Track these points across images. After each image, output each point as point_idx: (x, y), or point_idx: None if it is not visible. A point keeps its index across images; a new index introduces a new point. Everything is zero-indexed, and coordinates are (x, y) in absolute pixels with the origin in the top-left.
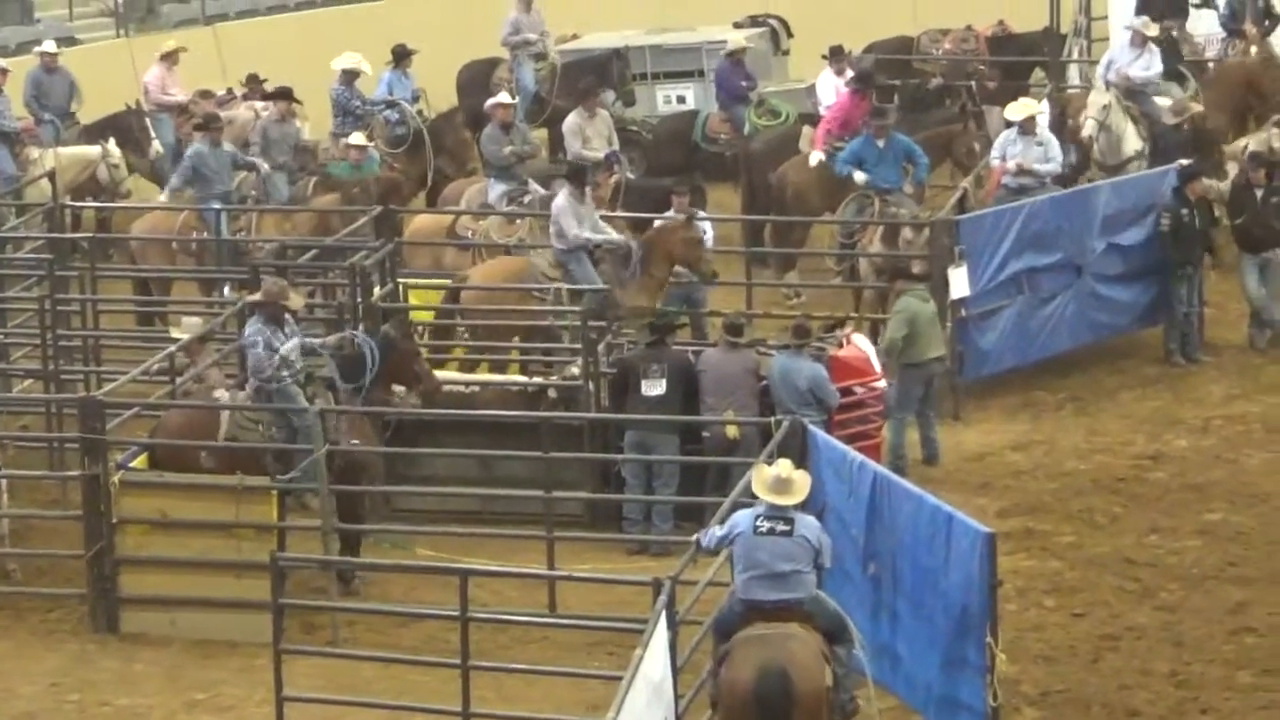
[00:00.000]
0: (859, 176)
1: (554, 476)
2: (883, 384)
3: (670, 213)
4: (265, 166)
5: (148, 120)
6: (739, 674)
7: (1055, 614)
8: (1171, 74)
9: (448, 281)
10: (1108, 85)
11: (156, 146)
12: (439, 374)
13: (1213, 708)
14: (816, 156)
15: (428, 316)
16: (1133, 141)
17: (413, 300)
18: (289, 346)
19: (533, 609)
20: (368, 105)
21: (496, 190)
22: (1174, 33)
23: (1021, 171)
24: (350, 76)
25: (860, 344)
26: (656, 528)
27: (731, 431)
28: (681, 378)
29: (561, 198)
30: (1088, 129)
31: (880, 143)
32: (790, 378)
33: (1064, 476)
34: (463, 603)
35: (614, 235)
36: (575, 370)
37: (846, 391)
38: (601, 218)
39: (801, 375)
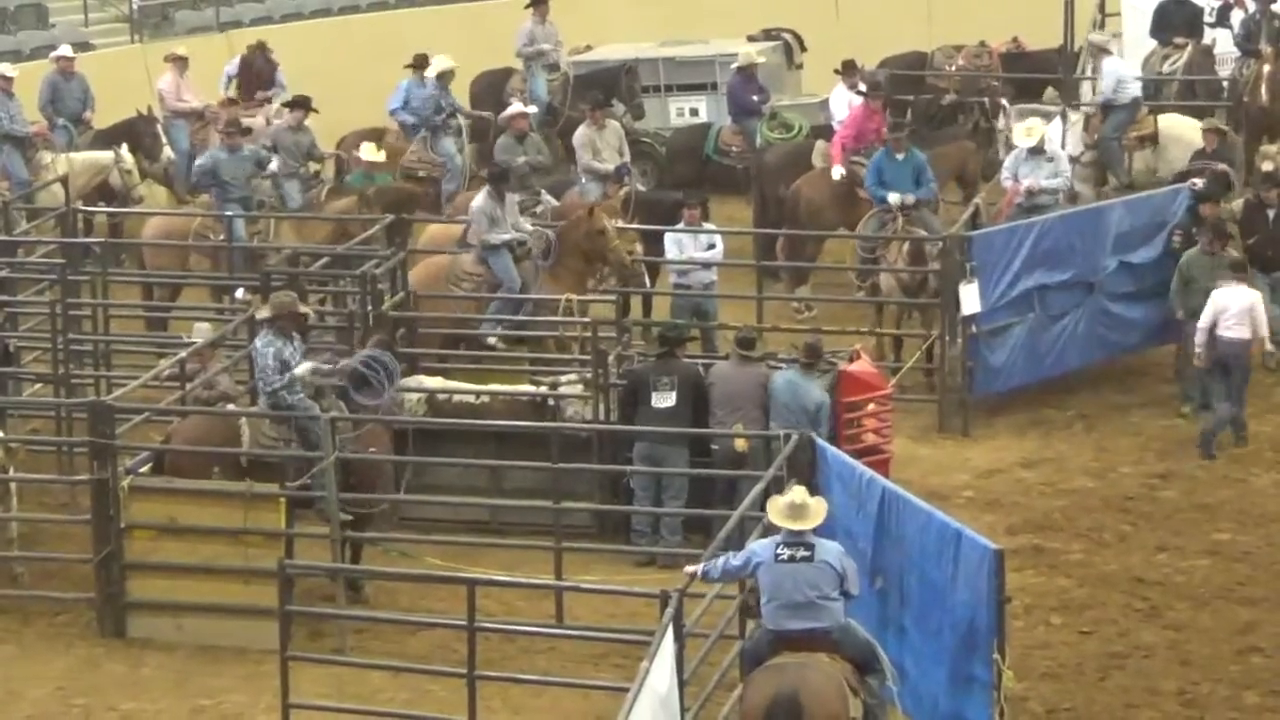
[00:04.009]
0: (894, 198)
1: (563, 487)
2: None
3: (680, 225)
4: (274, 164)
5: (159, 126)
6: (752, 701)
7: (1062, 631)
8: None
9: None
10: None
11: (168, 153)
12: (450, 383)
13: None
14: (839, 171)
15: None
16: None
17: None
18: (302, 369)
19: (540, 619)
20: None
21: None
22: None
23: (1033, 191)
24: (445, 79)
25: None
26: (665, 540)
27: (740, 445)
28: (691, 390)
29: (480, 198)
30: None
31: (899, 156)
32: (800, 397)
33: (1073, 494)
34: (470, 612)
35: (520, 234)
36: (565, 379)
37: (854, 406)
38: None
39: (811, 398)
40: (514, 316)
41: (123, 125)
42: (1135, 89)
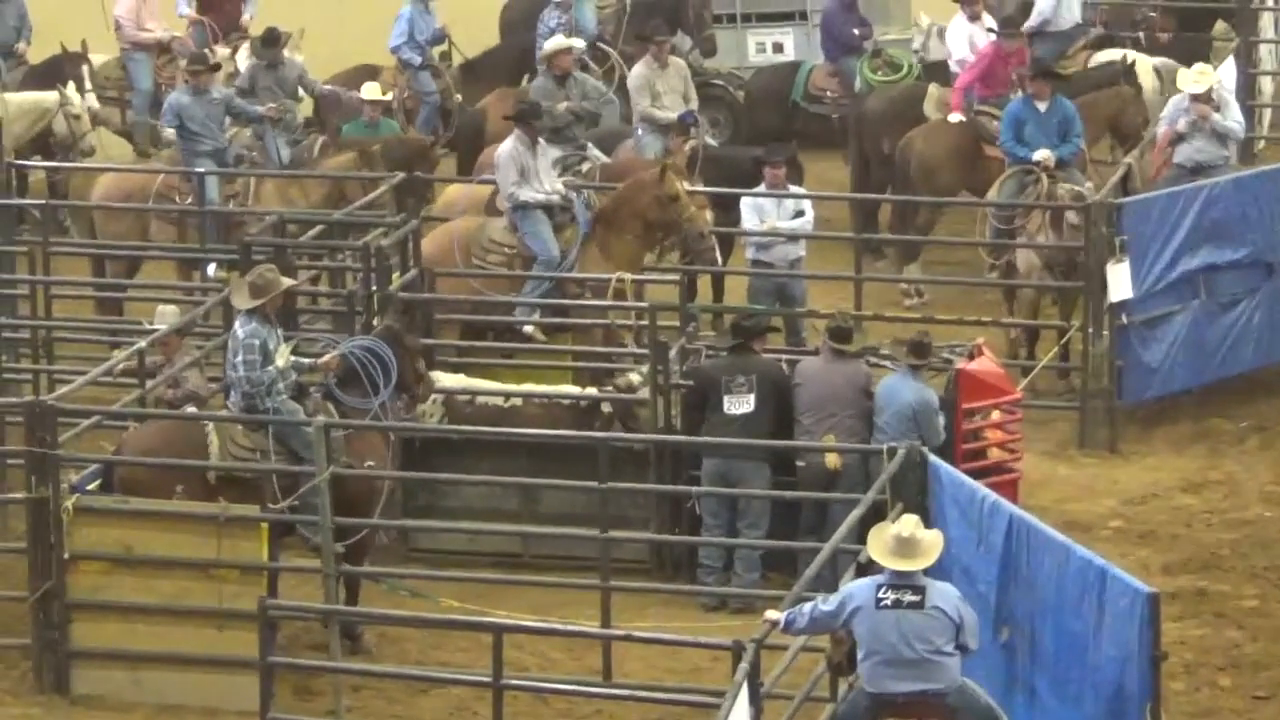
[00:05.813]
0: (1042, 154)
1: (612, 512)
2: None
3: (761, 188)
4: (262, 110)
5: (85, 69)
6: None
7: (1233, 696)
8: None
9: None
10: None
11: (92, 100)
12: (473, 382)
13: None
14: (957, 118)
15: None
16: None
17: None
18: (284, 359)
19: (583, 675)
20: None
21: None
22: None
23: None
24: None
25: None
26: (738, 578)
27: (832, 460)
28: (772, 393)
29: (508, 143)
30: None
31: (1042, 105)
32: (897, 399)
33: (1247, 525)
34: (496, 666)
35: (554, 195)
36: (635, 379)
37: (975, 414)
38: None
39: (902, 398)
40: (550, 300)
41: (50, 63)
42: (1073, 15)
